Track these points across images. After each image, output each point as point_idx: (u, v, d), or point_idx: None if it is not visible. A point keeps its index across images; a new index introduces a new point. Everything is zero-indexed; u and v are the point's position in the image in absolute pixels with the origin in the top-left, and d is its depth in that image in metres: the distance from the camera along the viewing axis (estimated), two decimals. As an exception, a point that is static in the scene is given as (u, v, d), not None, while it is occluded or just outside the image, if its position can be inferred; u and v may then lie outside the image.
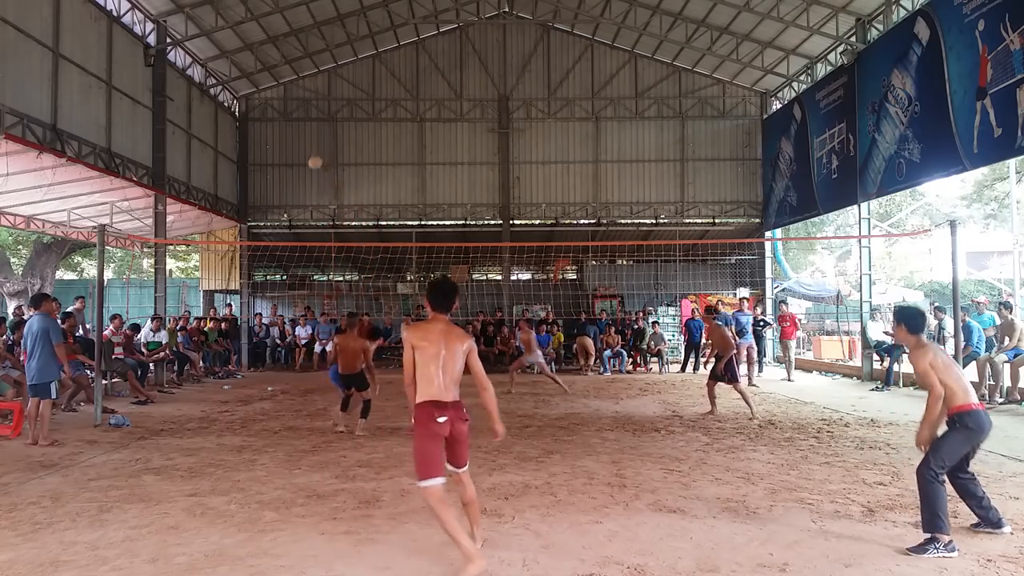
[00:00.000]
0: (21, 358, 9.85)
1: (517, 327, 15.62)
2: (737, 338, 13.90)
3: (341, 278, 22.15)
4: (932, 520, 4.37)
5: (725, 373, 10.15)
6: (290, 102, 20.23)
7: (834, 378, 15.54)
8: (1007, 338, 10.70)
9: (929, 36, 12.17)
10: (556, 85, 20.27)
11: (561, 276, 22.34)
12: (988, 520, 4.66)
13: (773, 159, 19.28)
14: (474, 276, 22.28)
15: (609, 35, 19.87)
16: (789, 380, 14.59)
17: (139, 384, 11.68)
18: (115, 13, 13.55)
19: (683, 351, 17.68)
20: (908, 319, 4.83)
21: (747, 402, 9.98)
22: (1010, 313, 10.87)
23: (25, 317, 13.78)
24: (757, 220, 20.31)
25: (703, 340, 17.63)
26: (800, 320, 16.73)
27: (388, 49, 20.10)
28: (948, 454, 4.53)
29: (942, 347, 4.85)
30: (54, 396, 8.21)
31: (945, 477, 4.52)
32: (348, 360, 8.66)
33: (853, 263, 26.13)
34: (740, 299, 17.07)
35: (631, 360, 17.59)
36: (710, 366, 10.81)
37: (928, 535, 4.35)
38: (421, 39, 20.13)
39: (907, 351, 4.91)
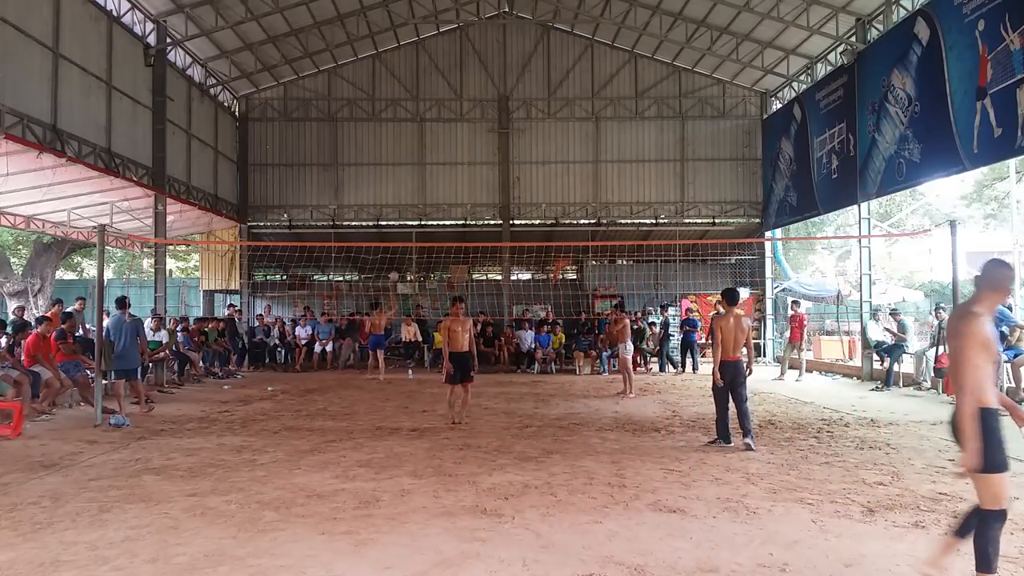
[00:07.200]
0: (22, 358, 9.89)
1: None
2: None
3: (341, 278, 22.16)
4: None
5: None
6: (290, 102, 20.24)
7: (834, 378, 15.53)
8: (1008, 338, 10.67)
9: (929, 36, 12.18)
10: (556, 85, 20.27)
11: (561, 276, 22.33)
12: (723, 436, 7.50)
13: (773, 159, 19.27)
14: (474, 276, 22.28)
15: (609, 35, 19.87)
16: (798, 380, 14.63)
17: (139, 384, 11.63)
18: (115, 13, 13.56)
19: (679, 351, 17.67)
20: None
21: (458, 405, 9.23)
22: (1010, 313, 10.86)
23: (53, 311, 13.83)
24: (757, 220, 20.31)
25: (702, 339, 17.72)
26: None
27: (388, 49, 20.11)
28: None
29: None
30: (140, 378, 10.18)
31: (727, 397, 7.50)
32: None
33: (853, 263, 26.11)
34: None
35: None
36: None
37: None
38: (421, 39, 20.14)
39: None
